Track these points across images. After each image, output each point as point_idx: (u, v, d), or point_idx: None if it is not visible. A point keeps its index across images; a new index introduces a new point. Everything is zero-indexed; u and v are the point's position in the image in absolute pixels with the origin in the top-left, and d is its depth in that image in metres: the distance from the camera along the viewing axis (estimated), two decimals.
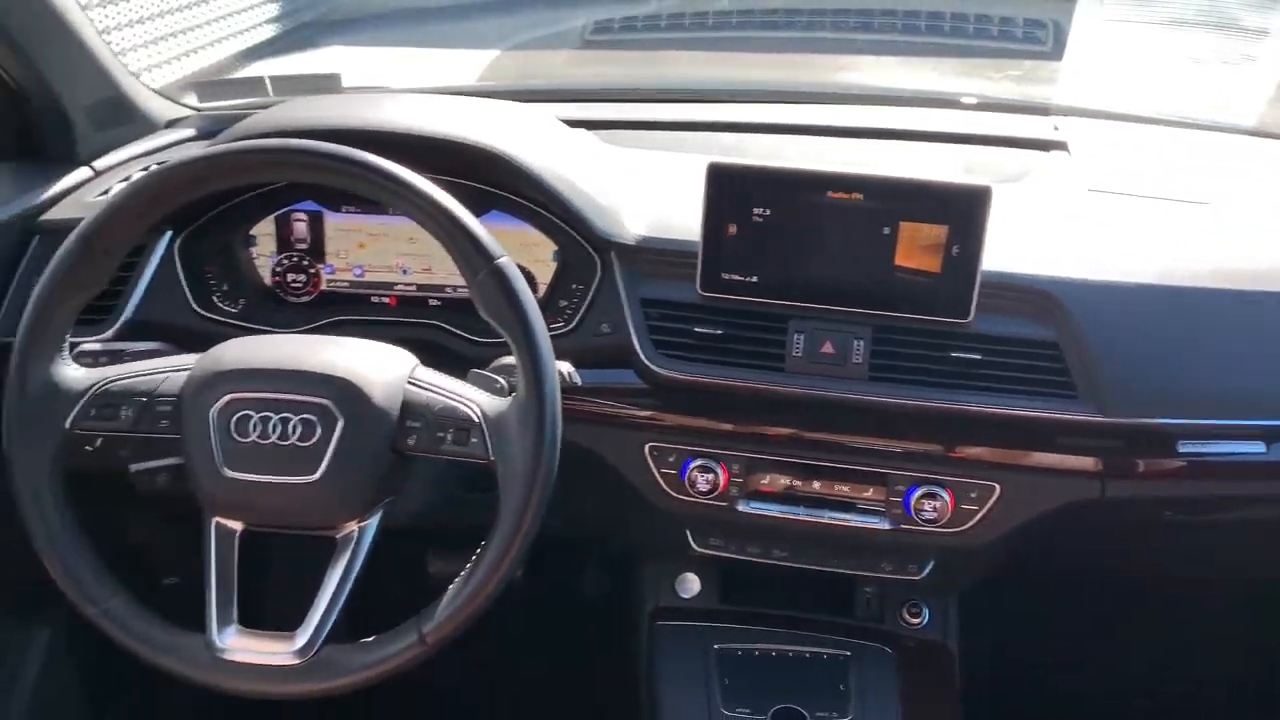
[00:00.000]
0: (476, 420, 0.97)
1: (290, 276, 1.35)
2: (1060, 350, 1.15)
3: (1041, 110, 1.64)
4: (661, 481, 1.25)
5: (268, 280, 1.35)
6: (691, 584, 1.37)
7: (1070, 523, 1.22)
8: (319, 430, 0.96)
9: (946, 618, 1.34)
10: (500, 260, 0.96)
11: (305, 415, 0.96)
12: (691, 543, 1.31)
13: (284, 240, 1.34)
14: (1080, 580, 1.62)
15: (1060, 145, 1.50)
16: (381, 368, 1.00)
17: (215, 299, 1.31)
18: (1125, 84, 1.60)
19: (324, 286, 1.35)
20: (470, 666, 1.82)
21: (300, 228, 1.34)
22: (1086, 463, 1.18)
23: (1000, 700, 1.39)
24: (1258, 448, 1.16)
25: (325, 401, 0.96)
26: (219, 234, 1.32)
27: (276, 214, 1.33)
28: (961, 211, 1.12)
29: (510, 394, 1.01)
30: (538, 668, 1.89)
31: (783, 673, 1.26)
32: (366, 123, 1.24)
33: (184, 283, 1.28)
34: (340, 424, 0.96)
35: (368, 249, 1.34)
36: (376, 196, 0.98)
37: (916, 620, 1.34)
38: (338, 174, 0.97)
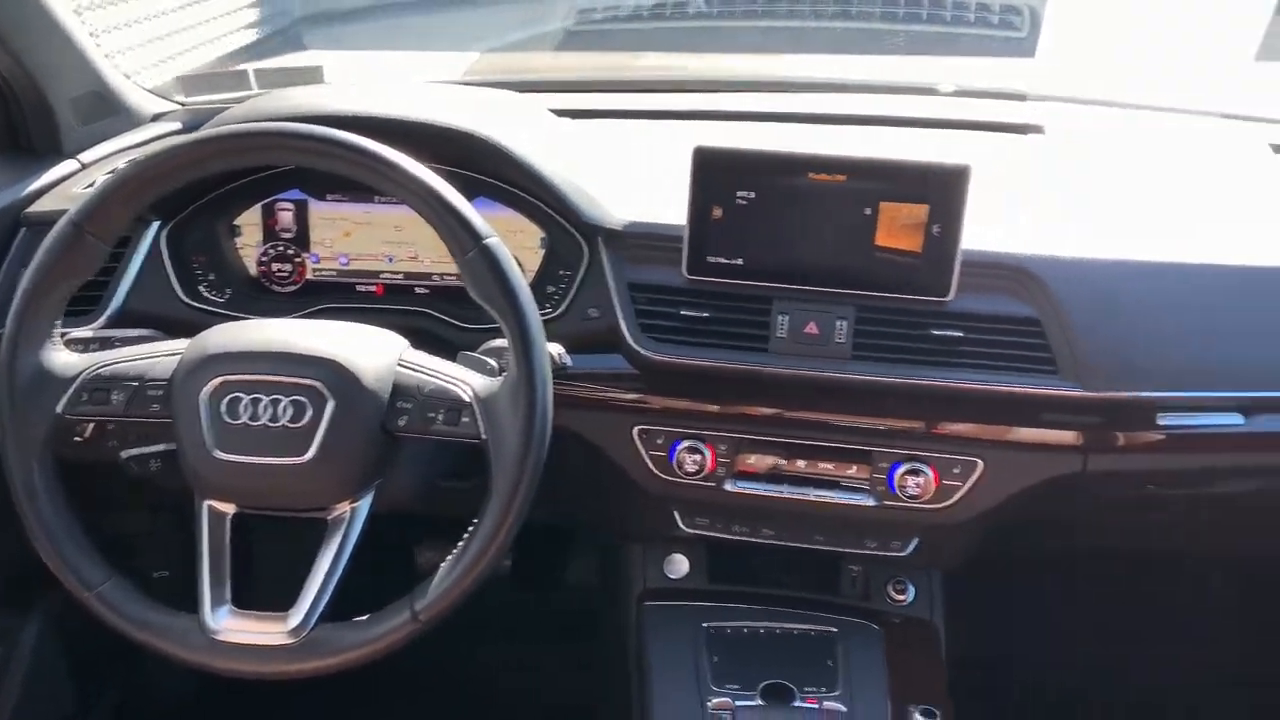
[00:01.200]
0: (468, 400, 0.98)
1: (276, 266, 1.35)
2: (1041, 326, 1.17)
3: (1018, 97, 1.66)
4: (650, 463, 1.26)
5: (253, 270, 1.35)
6: (680, 565, 1.38)
7: (1053, 498, 1.24)
8: (309, 412, 0.97)
9: (932, 595, 1.35)
10: (489, 240, 0.97)
11: (296, 397, 0.97)
12: (679, 523, 1.33)
13: (269, 230, 1.34)
14: (1065, 561, 1.64)
15: (1036, 129, 1.53)
16: (371, 350, 1.01)
17: (202, 288, 1.31)
18: (1100, 69, 1.62)
19: (309, 275, 1.36)
20: (460, 652, 1.84)
21: (285, 217, 1.34)
22: (1068, 437, 1.19)
23: (986, 677, 1.41)
24: (1236, 419, 1.18)
25: (316, 383, 0.97)
26: (205, 224, 1.32)
27: (262, 203, 1.34)
28: (941, 191, 1.14)
29: (501, 375, 1.02)
30: (527, 653, 1.90)
31: (771, 650, 1.27)
32: (354, 109, 1.25)
33: (171, 272, 1.29)
34: (331, 405, 0.97)
35: (353, 237, 1.35)
36: (365, 179, 0.99)
37: (902, 597, 1.35)
38: (327, 157, 0.98)
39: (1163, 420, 1.18)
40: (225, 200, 1.32)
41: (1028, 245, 1.20)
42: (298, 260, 1.35)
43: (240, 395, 0.97)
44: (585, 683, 1.71)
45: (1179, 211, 1.32)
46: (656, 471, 1.27)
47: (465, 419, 0.98)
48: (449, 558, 0.98)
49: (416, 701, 1.88)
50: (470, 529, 0.98)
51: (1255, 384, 1.17)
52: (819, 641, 1.28)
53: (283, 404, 0.96)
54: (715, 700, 1.19)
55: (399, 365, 1.01)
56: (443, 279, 1.34)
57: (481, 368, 1.05)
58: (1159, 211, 1.31)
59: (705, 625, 1.30)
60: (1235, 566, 1.72)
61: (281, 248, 1.35)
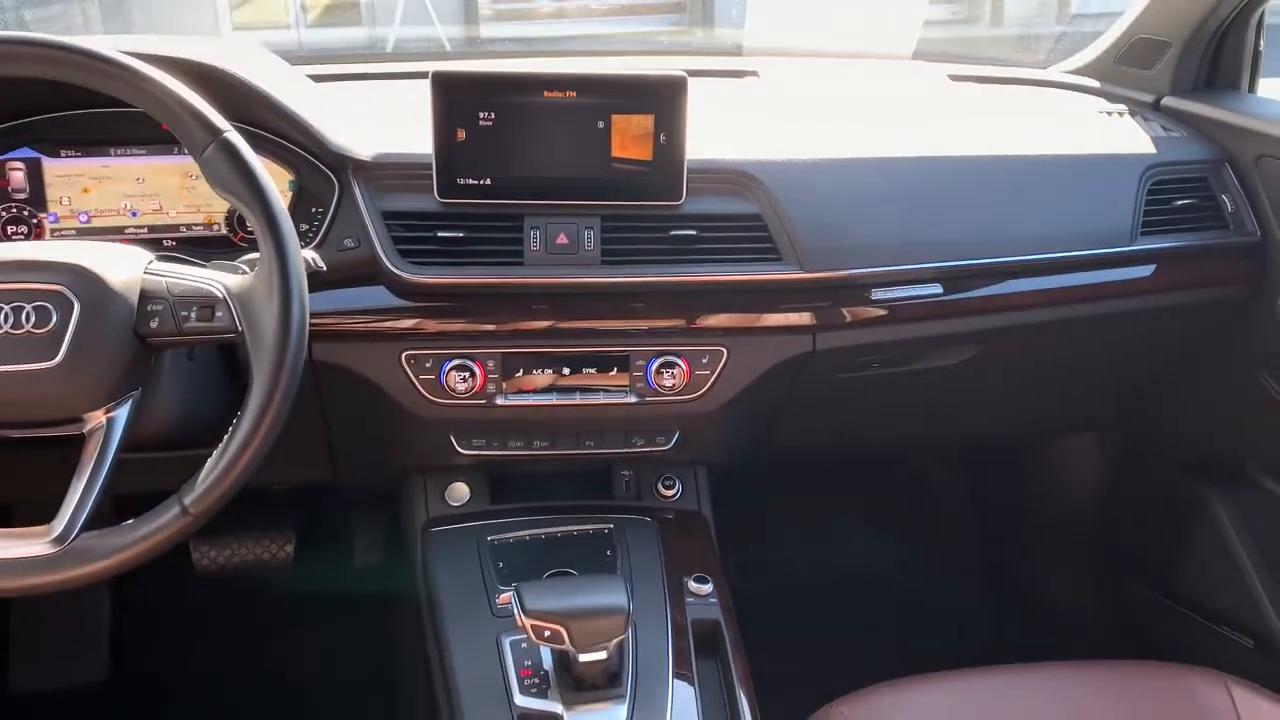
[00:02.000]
0: (220, 296, 1.00)
1: (11, 229, 1.30)
2: (763, 220, 1.30)
3: (735, 52, 1.83)
4: (420, 388, 1.30)
5: None
6: (461, 491, 1.42)
7: (791, 379, 1.37)
8: (54, 316, 0.95)
9: (698, 487, 1.46)
10: (227, 133, 0.99)
11: (40, 303, 0.95)
12: (456, 446, 1.37)
13: (1, 191, 1.30)
14: (811, 458, 1.80)
15: (752, 73, 1.69)
16: (117, 257, 1.01)
17: None
18: (800, 25, 1.82)
19: (48, 236, 1.32)
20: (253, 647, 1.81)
21: (17, 177, 1.30)
22: (797, 318, 1.33)
23: (752, 554, 1.52)
24: (936, 289, 1.35)
25: (59, 288, 0.96)
26: None
27: None
28: (664, 100, 1.25)
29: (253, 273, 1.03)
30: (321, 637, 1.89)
31: (553, 549, 1.33)
32: (114, 42, 1.23)
33: None
34: (76, 308, 0.96)
35: (92, 194, 1.32)
36: (99, 85, 0.99)
37: (671, 492, 1.45)
38: (64, 65, 0.97)
39: (875, 295, 1.33)
40: None
41: (748, 154, 1.34)
42: (34, 221, 1.31)
43: None
44: (385, 644, 1.72)
45: (876, 125, 1.50)
46: (428, 395, 1.31)
47: (220, 314, 0.99)
48: (215, 451, 0.98)
49: (221, 700, 1.83)
50: (235, 420, 0.99)
51: (948, 255, 1.35)
52: (597, 537, 1.35)
53: (25, 310, 0.95)
54: (502, 595, 1.23)
55: (146, 272, 1.01)
56: (190, 229, 1.33)
57: (234, 271, 1.06)
58: (858, 125, 1.49)
59: (489, 539, 1.34)
60: (960, 459, 1.95)
61: (15, 209, 1.30)
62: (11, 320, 0.94)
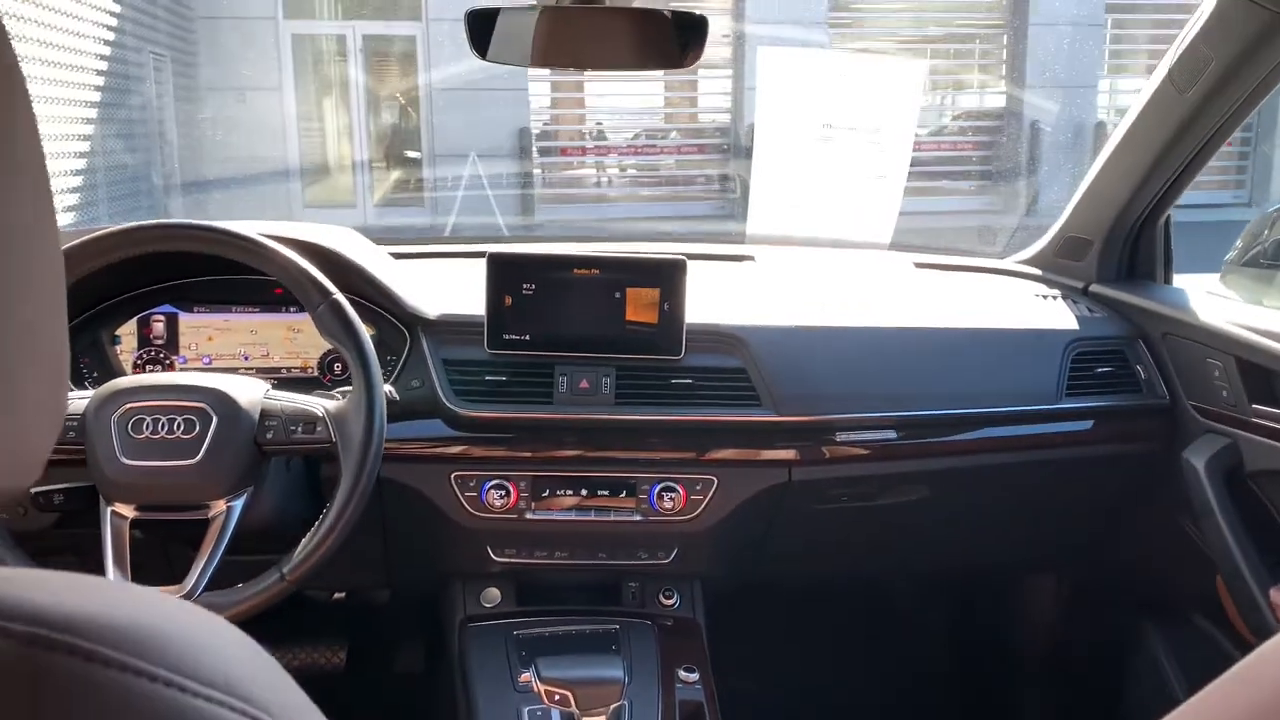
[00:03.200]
0: (321, 415, 1.32)
1: (149, 367, 1.65)
2: (747, 373, 1.61)
3: (740, 240, 2.19)
4: (465, 503, 1.60)
5: (129, 370, 1.64)
6: (493, 595, 1.69)
7: (771, 507, 1.65)
8: (198, 426, 1.27)
9: (694, 599, 1.71)
10: (335, 295, 1.34)
11: (187, 415, 1.28)
12: (491, 554, 1.65)
13: (144, 338, 1.65)
14: (800, 582, 2.05)
15: (749, 258, 2.04)
16: (245, 385, 1.34)
17: (87, 384, 1.59)
18: (791, 217, 2.17)
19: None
20: None
21: (158, 327, 1.65)
22: (776, 454, 1.62)
23: (738, 654, 1.76)
24: (891, 434, 1.64)
25: (203, 405, 1.28)
26: (90, 334, 1.61)
27: (138, 317, 1.64)
28: (668, 277, 1.59)
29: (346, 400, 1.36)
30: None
31: (566, 644, 1.58)
32: (239, 226, 1.61)
33: None
34: (214, 422, 1.28)
35: (215, 341, 1.67)
36: (239, 257, 1.34)
37: (670, 602, 1.71)
38: (211, 242, 1.33)
39: (840, 437, 1.63)
40: (107, 314, 1.63)
41: (737, 320, 1.66)
42: (167, 361, 1.65)
43: (144, 416, 1.27)
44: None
45: (846, 301, 1.82)
46: (470, 509, 1.60)
47: (319, 429, 1.31)
48: (308, 534, 1.28)
49: None
50: (325, 511, 1.29)
51: (902, 407, 1.64)
52: (604, 635, 1.61)
53: (177, 420, 1.27)
54: (522, 675, 1.49)
55: (266, 397, 1.34)
56: (290, 371, 1.67)
57: (332, 397, 1.39)
58: (832, 301, 1.81)
59: (515, 633, 1.60)
60: (929, 586, 2.18)
61: (154, 352, 1.65)
62: (166, 428, 1.27)
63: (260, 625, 1.83)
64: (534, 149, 9.49)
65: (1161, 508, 1.81)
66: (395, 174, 9.60)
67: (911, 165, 2.23)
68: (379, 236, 2.17)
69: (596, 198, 9.78)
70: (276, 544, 1.36)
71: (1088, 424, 1.73)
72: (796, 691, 2.15)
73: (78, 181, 5.01)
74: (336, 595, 2.19)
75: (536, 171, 9.55)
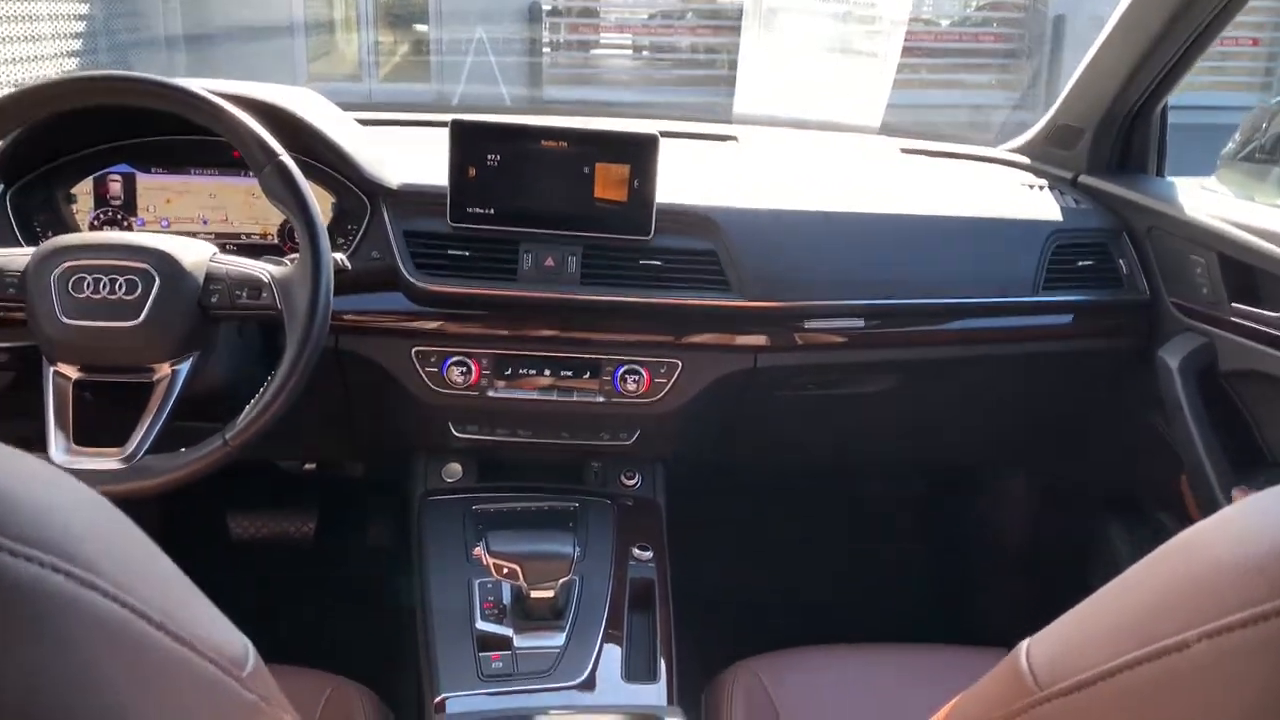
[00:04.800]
0: (266, 281, 1.29)
1: (106, 228, 1.61)
2: (717, 257, 1.57)
3: (725, 119, 2.12)
4: (425, 378, 1.58)
5: (86, 230, 1.61)
6: (454, 470, 1.69)
7: (735, 392, 1.63)
8: (140, 286, 1.25)
9: (655, 481, 1.71)
10: (281, 156, 1.29)
11: (129, 276, 1.25)
12: (453, 430, 1.64)
13: (100, 198, 1.61)
14: (766, 472, 2.05)
15: (733, 138, 1.98)
16: (190, 247, 1.31)
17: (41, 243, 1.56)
18: (778, 96, 2.10)
19: None
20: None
21: (115, 187, 1.61)
22: (741, 340, 1.59)
23: (695, 534, 1.76)
24: (859, 323, 1.61)
25: (145, 266, 1.26)
26: (44, 192, 1.57)
27: (94, 176, 1.60)
28: (639, 153, 1.53)
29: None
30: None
31: (524, 520, 1.59)
32: (203, 84, 1.55)
33: (16, 231, 1.53)
34: (156, 283, 1.25)
35: (174, 204, 1.63)
36: (188, 114, 1.30)
37: (632, 482, 1.70)
38: (159, 98, 1.28)
39: (807, 324, 1.59)
40: (62, 172, 1.58)
41: (710, 201, 1.61)
42: (125, 224, 1.62)
43: (84, 275, 1.24)
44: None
45: (827, 185, 1.77)
46: (431, 385, 1.58)
47: (264, 295, 1.28)
48: (252, 400, 1.27)
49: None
50: (270, 378, 1.27)
51: (872, 295, 1.61)
52: (563, 512, 1.61)
53: (119, 281, 1.24)
54: (474, 550, 1.49)
55: (212, 260, 1.31)
56: (249, 237, 1.63)
57: (278, 263, 1.36)
58: (811, 185, 1.76)
59: (474, 507, 1.61)
60: (896, 481, 2.18)
61: (111, 212, 1.61)
62: (107, 288, 1.24)
63: (231, 494, 1.84)
64: (544, 24, 9.25)
65: (1133, 406, 1.79)
66: (402, 49, 9.39)
67: (932, 56, 2.15)
68: (366, 106, 2.11)
69: (610, 80, 9.57)
70: (231, 411, 1.35)
71: (1065, 318, 1.70)
72: (754, 578, 2.17)
73: (79, 27, 4.88)
74: (308, 466, 2.20)
75: (546, 51, 9.32)
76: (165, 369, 1.28)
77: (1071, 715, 0.52)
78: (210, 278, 1.29)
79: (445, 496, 1.65)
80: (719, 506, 2.04)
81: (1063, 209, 1.75)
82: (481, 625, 1.37)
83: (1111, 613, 0.53)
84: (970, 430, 1.90)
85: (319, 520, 2.16)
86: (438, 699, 1.27)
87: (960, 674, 1.45)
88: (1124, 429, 1.84)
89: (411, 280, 1.53)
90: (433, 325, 1.57)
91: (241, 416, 1.26)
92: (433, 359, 1.58)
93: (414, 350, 1.57)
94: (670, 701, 1.31)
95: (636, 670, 1.35)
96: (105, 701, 0.41)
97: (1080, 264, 1.71)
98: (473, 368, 1.58)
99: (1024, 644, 0.60)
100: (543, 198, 1.56)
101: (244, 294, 1.29)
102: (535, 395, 1.60)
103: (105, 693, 0.41)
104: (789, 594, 2.14)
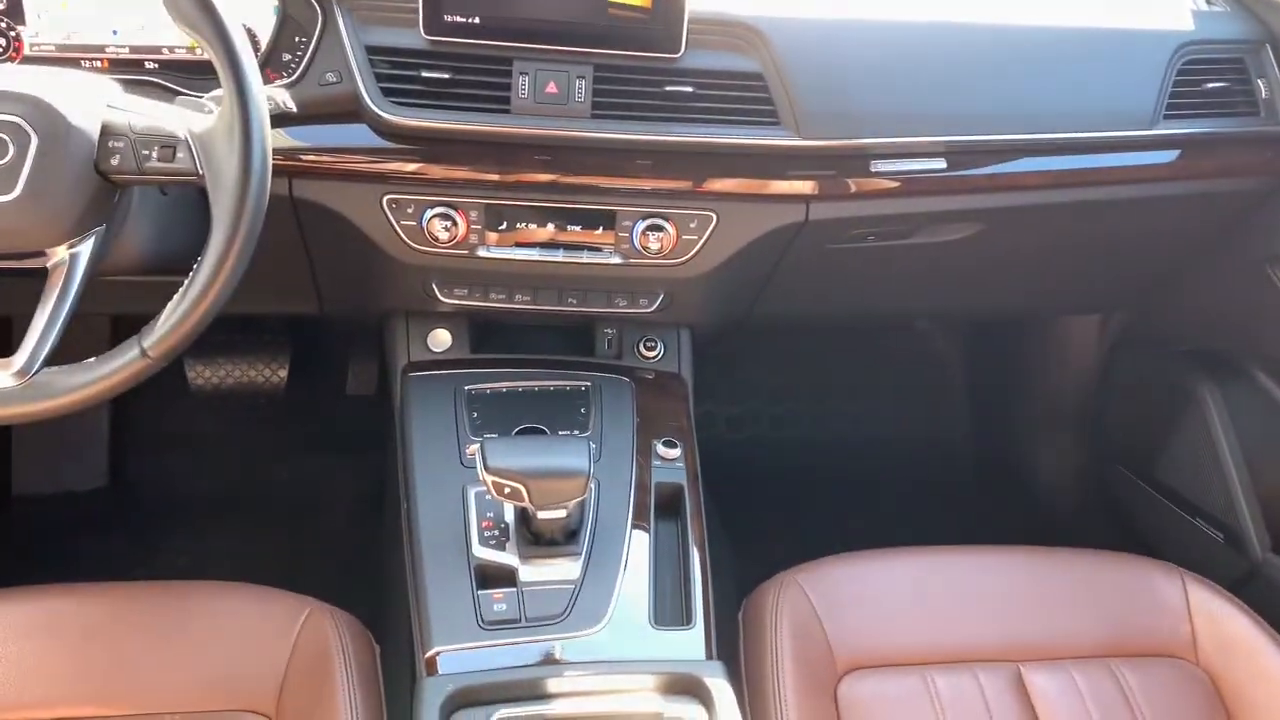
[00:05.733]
0: (182, 136, 0.97)
1: None
2: (764, 80, 1.24)
3: None
4: (402, 233, 1.29)
5: None
6: (442, 338, 1.42)
7: (781, 249, 1.34)
8: (12, 148, 0.93)
9: (680, 350, 1.45)
10: None
11: None
12: (437, 294, 1.36)
13: None
14: (806, 325, 1.79)
15: None
16: (78, 89, 0.98)
17: None
18: None
19: (26, 51, 1.27)
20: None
21: None
22: (791, 187, 1.29)
23: (729, 420, 1.53)
24: (940, 164, 1.30)
25: (16, 119, 0.94)
26: None
27: None
28: None
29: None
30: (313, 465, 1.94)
31: (528, 403, 1.34)
32: None
33: None
34: (35, 141, 0.94)
35: (72, 9, 1.27)
36: None
37: (652, 354, 1.44)
38: None
39: (875, 167, 1.28)
40: None
41: (757, 8, 1.26)
42: (12, 34, 1.27)
43: None
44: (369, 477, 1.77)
45: None
46: (409, 241, 1.29)
47: (181, 155, 0.97)
48: (175, 296, 0.98)
49: (223, 520, 1.90)
50: (195, 266, 0.98)
51: (955, 129, 1.29)
52: (573, 394, 1.36)
53: None
54: (471, 445, 1.24)
55: (109, 105, 0.98)
56: (173, 51, 1.29)
57: (199, 109, 1.03)
58: None
59: (466, 388, 1.35)
60: (950, 326, 1.92)
61: None
62: None
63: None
64: None
65: (1247, 252, 1.50)
66: None
67: None
68: None
69: None
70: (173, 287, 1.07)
71: (1183, 155, 1.38)
72: (798, 449, 1.93)
73: None
74: None
75: None
76: (60, 252, 0.98)
77: None
78: (108, 131, 0.97)
79: (433, 372, 1.39)
80: (745, 364, 1.79)
81: (1193, 13, 1.40)
82: (480, 552, 1.14)
83: None
84: (1051, 278, 1.61)
85: (290, 369, 1.91)
86: (429, 653, 1.06)
87: (1003, 575, 1.27)
88: (1231, 276, 1.56)
89: (377, 111, 1.21)
90: (409, 167, 1.26)
91: (161, 319, 0.97)
92: (409, 209, 1.28)
93: (386, 198, 1.27)
94: (709, 648, 1.10)
95: (666, 611, 1.14)
96: None
97: (1209, 85, 1.37)
98: (459, 220, 1.28)
99: None
100: (543, 3, 1.21)
101: (153, 154, 0.97)
102: (536, 255, 1.31)
103: None
104: (840, 475, 1.91)
